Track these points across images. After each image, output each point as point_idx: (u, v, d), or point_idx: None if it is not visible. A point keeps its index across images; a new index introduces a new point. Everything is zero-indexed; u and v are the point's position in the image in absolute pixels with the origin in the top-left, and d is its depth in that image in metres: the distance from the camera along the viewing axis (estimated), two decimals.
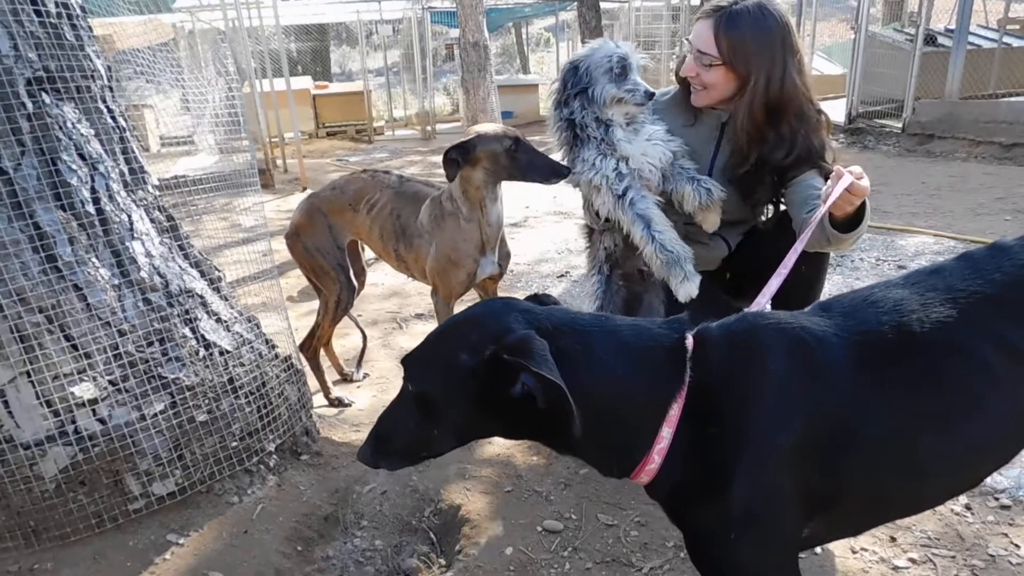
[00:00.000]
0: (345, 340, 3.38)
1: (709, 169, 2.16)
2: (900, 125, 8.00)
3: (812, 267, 2.05)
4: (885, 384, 0.98)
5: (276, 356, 2.13)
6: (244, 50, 7.89)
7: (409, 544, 1.91)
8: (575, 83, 2.01)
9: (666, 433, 0.98)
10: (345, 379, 2.94)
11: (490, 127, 2.26)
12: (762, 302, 1.40)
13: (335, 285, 2.53)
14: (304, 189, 7.37)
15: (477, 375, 0.99)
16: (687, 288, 1.95)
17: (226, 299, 2.15)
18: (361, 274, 2.83)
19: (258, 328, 2.17)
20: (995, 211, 4.76)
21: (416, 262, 2.43)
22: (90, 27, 1.91)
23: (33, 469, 1.69)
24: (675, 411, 0.99)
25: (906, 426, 0.98)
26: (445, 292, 2.38)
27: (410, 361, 1.12)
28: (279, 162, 8.56)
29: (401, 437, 1.12)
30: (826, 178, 1.92)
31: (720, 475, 0.96)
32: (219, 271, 2.17)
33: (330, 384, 2.84)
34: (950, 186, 5.59)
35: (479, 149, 2.16)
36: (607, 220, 2.11)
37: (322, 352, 2.81)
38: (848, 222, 1.71)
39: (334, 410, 2.60)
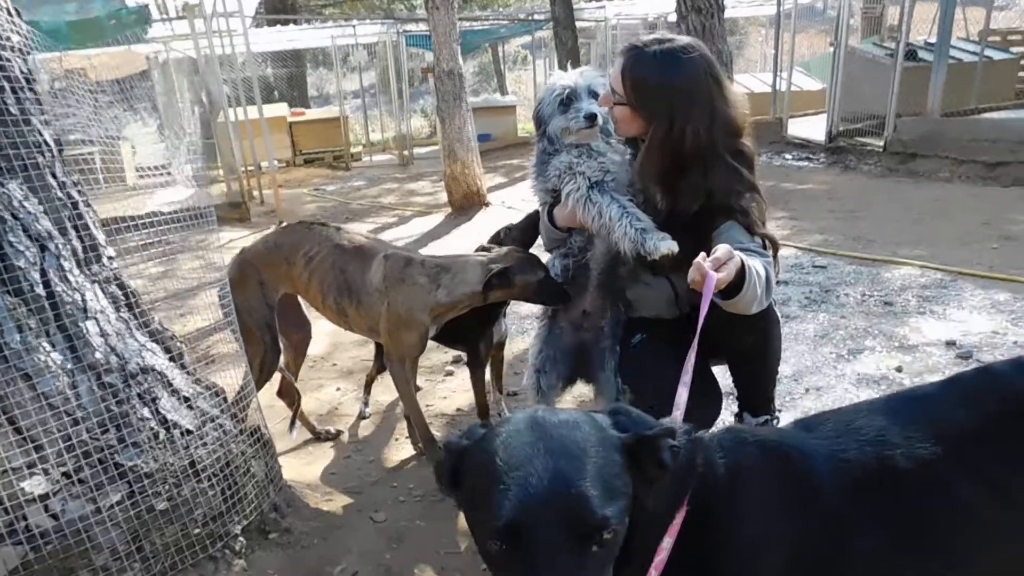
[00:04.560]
0: (319, 393, 3.31)
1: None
2: (881, 143, 8.02)
3: (756, 336, 2.03)
4: (867, 515, 0.93)
5: (241, 432, 2.05)
6: (216, 79, 7.82)
7: None
8: (539, 124, 2.16)
9: (666, 544, 0.92)
10: (317, 437, 2.86)
11: (522, 255, 2.33)
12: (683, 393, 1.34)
13: (260, 346, 2.47)
14: (281, 223, 7.29)
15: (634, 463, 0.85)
16: (667, 244, 1.93)
17: (189, 373, 2.07)
18: (304, 325, 2.78)
19: (224, 401, 2.09)
20: (981, 238, 4.74)
21: (360, 318, 2.41)
22: (36, 95, 1.84)
23: None
24: (677, 521, 0.92)
25: (886, 560, 0.93)
26: (399, 353, 2.37)
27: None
28: (255, 193, 8.47)
29: None
30: (746, 228, 1.93)
31: None
32: (181, 343, 2.09)
33: (312, 422, 2.87)
34: (934, 211, 5.58)
35: (518, 277, 2.25)
36: (568, 230, 2.19)
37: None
38: (733, 287, 1.65)
39: (304, 477, 2.52)
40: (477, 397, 2.72)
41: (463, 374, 3.06)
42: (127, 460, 1.75)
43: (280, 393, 2.80)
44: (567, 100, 2.08)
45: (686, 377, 1.36)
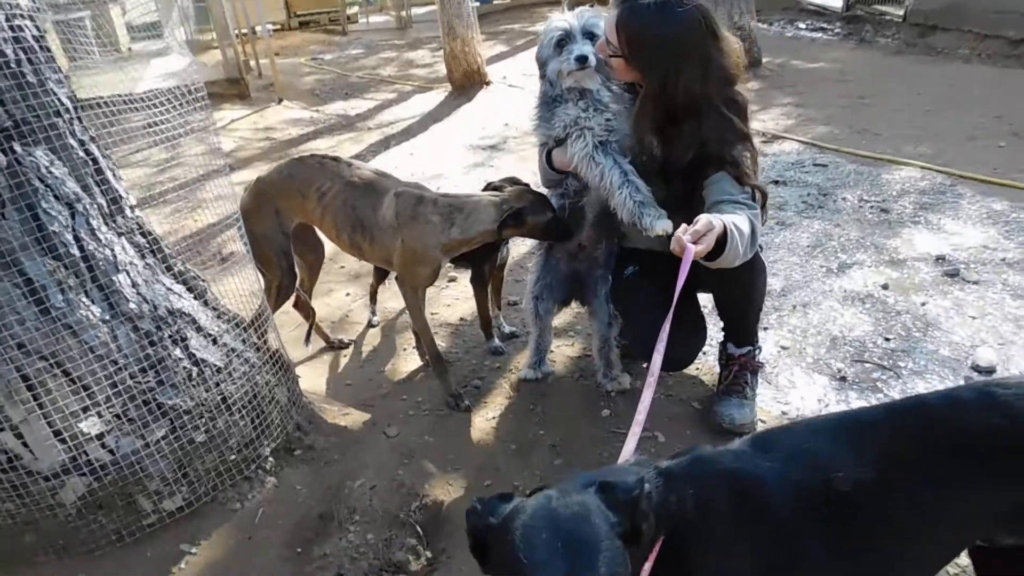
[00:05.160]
0: (329, 298, 3.48)
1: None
2: (902, 13, 7.68)
3: (741, 286, 2.18)
4: (812, 531, 1.10)
5: (264, 362, 2.24)
6: None
7: (398, 538, 2.10)
8: (541, 67, 2.23)
9: (647, 567, 1.10)
10: (331, 347, 3.07)
11: (534, 196, 2.42)
12: (660, 349, 1.49)
13: (277, 271, 2.62)
14: (280, 101, 7.16)
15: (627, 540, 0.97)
16: (662, 223, 2.04)
17: (213, 308, 2.22)
18: (318, 247, 2.90)
19: (246, 334, 2.26)
20: (990, 134, 4.70)
21: (375, 252, 2.55)
22: (50, 55, 1.86)
23: (55, 498, 1.85)
24: (656, 549, 1.10)
25: (826, 568, 1.12)
26: (412, 283, 2.51)
27: None
28: (252, 64, 8.22)
29: None
30: (736, 180, 2.01)
31: None
32: (204, 281, 2.23)
33: (326, 332, 3.08)
34: (947, 99, 5.48)
35: (530, 218, 2.36)
36: (569, 174, 2.29)
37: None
38: (714, 250, 1.75)
39: (321, 389, 2.75)
40: (480, 312, 2.90)
41: (465, 281, 3.22)
42: (167, 399, 1.95)
43: (296, 306, 2.98)
44: (562, 42, 2.12)
45: (660, 345, 1.50)
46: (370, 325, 3.22)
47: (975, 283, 3.06)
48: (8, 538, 1.89)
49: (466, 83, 6.93)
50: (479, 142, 5.58)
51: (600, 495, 0.97)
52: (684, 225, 1.69)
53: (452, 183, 4.85)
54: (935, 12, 7.35)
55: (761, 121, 5.33)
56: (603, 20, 2.13)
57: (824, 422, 1.24)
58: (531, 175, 4.60)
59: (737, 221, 1.86)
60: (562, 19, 2.17)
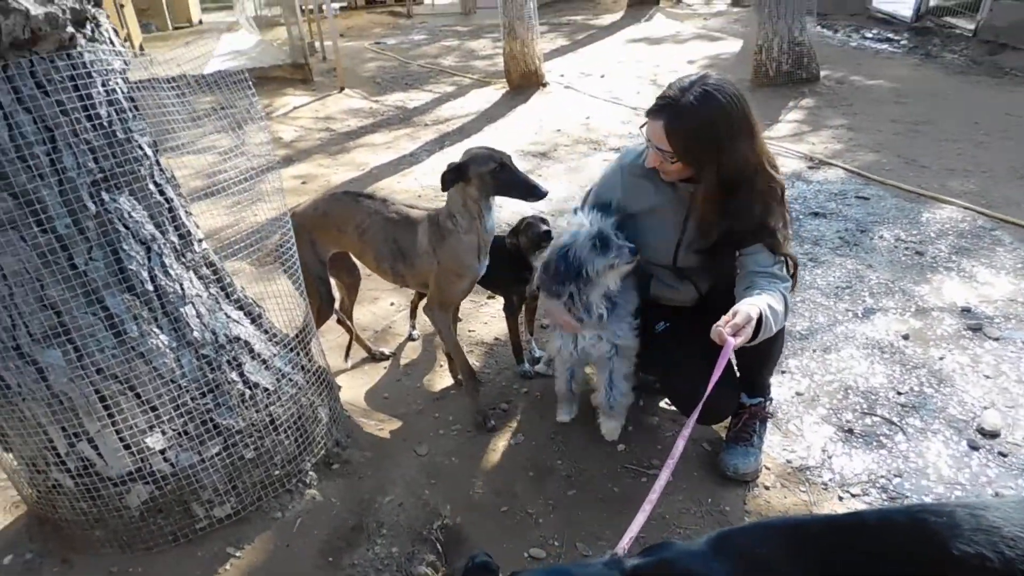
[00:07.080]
0: (375, 306, 3.71)
1: (679, 237, 2.36)
2: (972, 27, 7.49)
3: (757, 348, 2.21)
4: None
5: (309, 383, 2.46)
6: None
7: (420, 553, 2.32)
8: (567, 268, 2.30)
9: None
10: (373, 357, 3.29)
11: (481, 151, 2.52)
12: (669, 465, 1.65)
13: (315, 296, 2.83)
14: (342, 89, 7.37)
15: None
16: (561, 418, 2.70)
17: (266, 332, 2.45)
18: (354, 271, 3.11)
19: (296, 356, 2.49)
20: None
21: (414, 277, 2.76)
22: (134, 105, 2.08)
23: (121, 501, 2.12)
24: None
25: None
26: (444, 301, 2.70)
27: None
28: (317, 46, 8.44)
29: None
30: (771, 250, 2.14)
31: None
32: (260, 307, 2.46)
33: (368, 343, 3.29)
34: (1003, 130, 5.38)
35: (471, 170, 2.47)
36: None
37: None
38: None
39: (361, 402, 2.98)
40: (511, 337, 3.08)
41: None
42: (222, 419, 2.19)
43: (339, 322, 3.21)
44: (604, 242, 2.25)
45: (681, 442, 1.67)
46: (410, 338, 3.43)
47: (996, 339, 3.10)
48: (81, 531, 2.17)
49: (523, 84, 7.04)
50: (530, 148, 5.71)
51: None
52: (724, 317, 1.84)
53: None
54: (1006, 29, 7.14)
55: (810, 144, 5.33)
56: (611, 220, 2.31)
57: (773, 529, 1.40)
58: (577, 188, 4.78)
59: (772, 302, 2.00)
60: (583, 223, 2.30)
